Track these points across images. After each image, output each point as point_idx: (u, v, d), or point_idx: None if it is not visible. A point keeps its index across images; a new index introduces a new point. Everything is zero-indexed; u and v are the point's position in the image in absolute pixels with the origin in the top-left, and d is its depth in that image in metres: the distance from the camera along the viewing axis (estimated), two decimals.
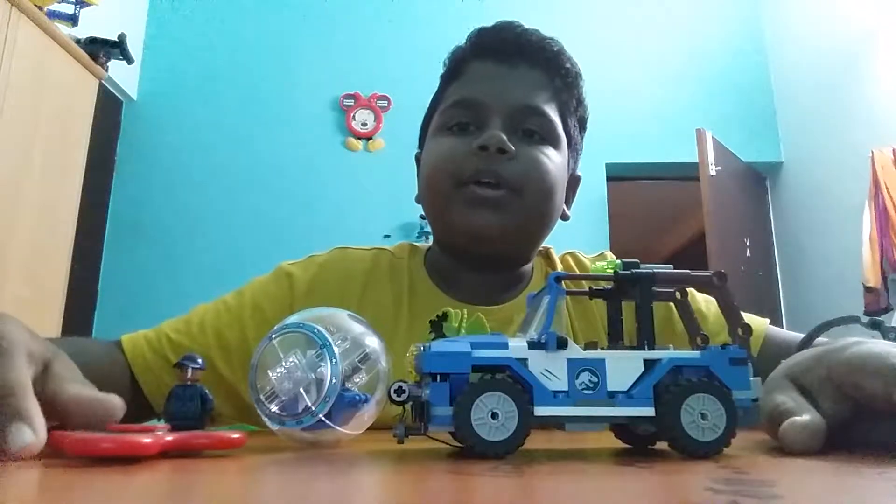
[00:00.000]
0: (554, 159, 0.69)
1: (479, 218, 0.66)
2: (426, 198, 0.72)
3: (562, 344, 0.34)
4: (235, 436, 0.35)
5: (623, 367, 0.34)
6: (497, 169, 0.66)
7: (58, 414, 0.33)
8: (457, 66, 0.74)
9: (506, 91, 0.69)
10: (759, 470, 0.28)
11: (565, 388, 0.33)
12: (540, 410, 0.32)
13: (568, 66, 0.73)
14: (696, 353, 0.34)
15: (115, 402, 0.35)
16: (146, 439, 0.30)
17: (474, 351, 0.33)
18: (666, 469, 0.29)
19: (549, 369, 0.33)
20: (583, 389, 0.33)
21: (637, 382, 0.33)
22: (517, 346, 0.34)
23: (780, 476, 0.26)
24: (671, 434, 0.32)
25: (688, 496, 0.21)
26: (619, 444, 0.39)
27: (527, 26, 0.74)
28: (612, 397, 0.33)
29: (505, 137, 0.65)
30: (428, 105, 0.77)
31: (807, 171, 3.40)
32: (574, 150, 0.75)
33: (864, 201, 2.70)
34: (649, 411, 0.33)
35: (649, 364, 0.34)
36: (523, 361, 0.33)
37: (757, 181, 3.63)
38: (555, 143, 0.70)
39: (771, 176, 3.67)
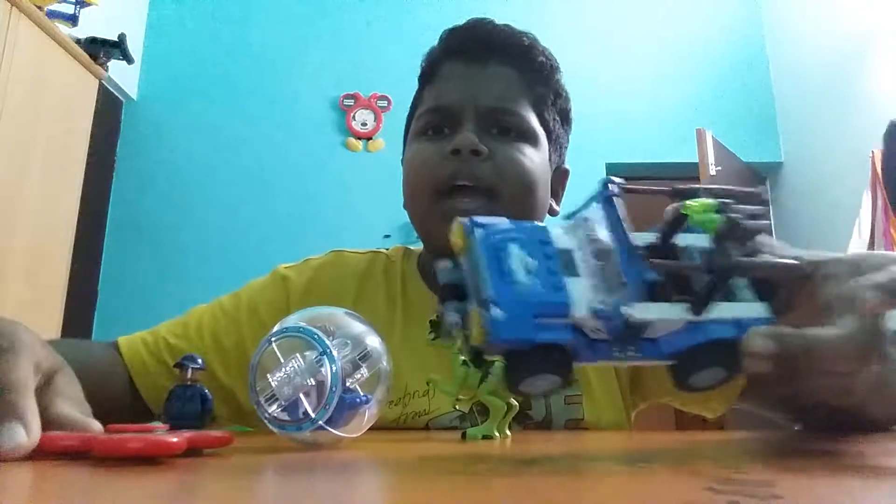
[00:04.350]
0: (531, 156, 0.69)
1: None
2: (409, 206, 0.73)
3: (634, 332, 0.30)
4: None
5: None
6: (472, 171, 0.66)
7: (43, 426, 0.33)
8: (430, 67, 0.74)
9: (476, 91, 0.69)
10: (759, 470, 0.28)
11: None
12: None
13: (541, 59, 0.73)
14: None
15: (94, 430, 0.35)
16: (173, 438, 0.30)
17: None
18: (666, 469, 0.29)
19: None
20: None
21: None
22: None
23: (780, 476, 0.26)
24: None
25: (688, 496, 0.21)
26: (619, 444, 0.39)
27: (498, 23, 0.74)
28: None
29: (476, 139, 0.66)
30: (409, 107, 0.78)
31: (807, 171, 3.40)
32: (556, 143, 0.75)
33: (863, 201, 2.70)
34: None
35: None
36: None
37: (757, 181, 3.63)
38: (531, 140, 0.70)
39: (771, 176, 3.67)
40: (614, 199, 0.32)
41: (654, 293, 0.30)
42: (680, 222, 0.32)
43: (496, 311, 0.28)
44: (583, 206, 0.33)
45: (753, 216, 0.32)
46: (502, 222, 0.31)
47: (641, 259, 0.30)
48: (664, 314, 0.30)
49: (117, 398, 0.66)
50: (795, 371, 0.31)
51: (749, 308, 0.32)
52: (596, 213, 0.33)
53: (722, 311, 0.31)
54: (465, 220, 0.32)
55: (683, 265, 0.32)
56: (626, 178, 0.36)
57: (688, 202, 0.32)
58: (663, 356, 0.31)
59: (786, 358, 0.30)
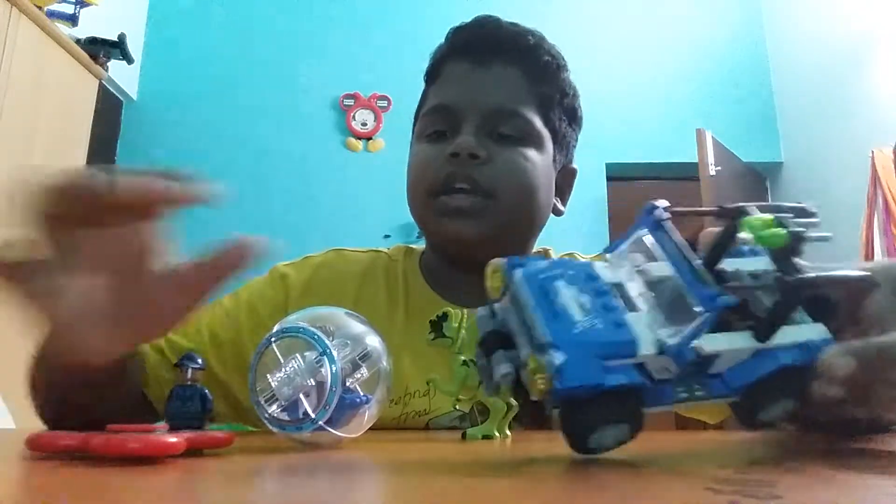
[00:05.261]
0: (533, 159, 0.69)
1: (453, 226, 0.67)
2: (409, 206, 0.74)
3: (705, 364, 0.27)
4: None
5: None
6: (470, 174, 0.66)
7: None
8: (435, 66, 0.74)
9: (479, 94, 0.69)
10: (759, 470, 0.28)
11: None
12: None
13: (546, 58, 0.72)
14: None
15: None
16: (173, 438, 0.30)
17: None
18: (666, 469, 0.29)
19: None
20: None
21: None
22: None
23: (780, 476, 0.26)
24: None
25: (688, 496, 0.21)
26: None
27: (504, 21, 0.73)
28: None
29: (475, 142, 0.66)
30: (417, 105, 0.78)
31: (807, 171, 3.40)
32: (562, 143, 0.74)
33: (864, 201, 2.69)
34: None
35: None
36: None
37: (757, 181, 3.63)
38: (534, 143, 0.69)
39: (771, 176, 3.67)
40: (665, 223, 0.29)
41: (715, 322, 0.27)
42: (728, 243, 0.29)
43: (558, 356, 0.25)
44: (623, 238, 0.31)
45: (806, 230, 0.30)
46: (540, 260, 0.29)
47: (713, 283, 0.27)
48: (734, 344, 0.27)
49: (124, 397, 0.65)
50: (868, 388, 0.29)
51: (810, 330, 0.29)
52: (639, 244, 0.30)
53: (786, 335, 0.28)
54: (502, 260, 0.29)
55: (762, 285, 0.29)
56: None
57: (746, 219, 0.29)
58: (731, 392, 0.28)
59: (863, 373, 0.28)
